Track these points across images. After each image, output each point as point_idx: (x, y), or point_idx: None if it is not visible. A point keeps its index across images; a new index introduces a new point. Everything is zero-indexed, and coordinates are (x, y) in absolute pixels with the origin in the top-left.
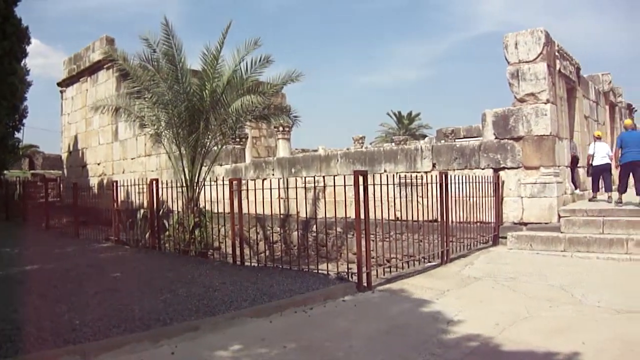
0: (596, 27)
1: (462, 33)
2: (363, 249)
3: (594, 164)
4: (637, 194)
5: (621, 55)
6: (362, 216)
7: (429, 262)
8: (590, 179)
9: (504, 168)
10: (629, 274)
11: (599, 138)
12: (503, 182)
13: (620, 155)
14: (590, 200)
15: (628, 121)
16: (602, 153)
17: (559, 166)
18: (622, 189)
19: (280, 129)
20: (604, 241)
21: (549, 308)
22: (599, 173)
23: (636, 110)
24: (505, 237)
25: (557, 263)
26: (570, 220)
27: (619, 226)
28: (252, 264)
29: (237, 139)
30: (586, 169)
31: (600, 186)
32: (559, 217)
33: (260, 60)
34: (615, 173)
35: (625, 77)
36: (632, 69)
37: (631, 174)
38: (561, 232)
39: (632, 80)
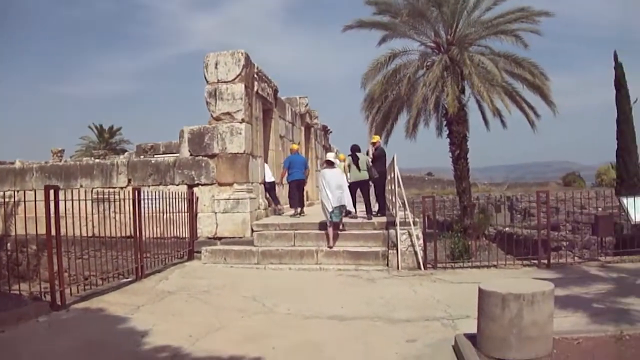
0: (299, 52)
1: (171, 49)
2: (56, 266)
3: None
4: (299, 205)
5: (319, 81)
6: (54, 233)
7: (125, 278)
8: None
9: (198, 184)
10: (318, 282)
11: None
12: (197, 198)
13: (287, 174)
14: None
15: (294, 146)
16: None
17: (252, 183)
18: (297, 203)
19: None
20: (296, 253)
21: (242, 318)
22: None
23: (331, 132)
24: (200, 252)
25: (251, 275)
26: (263, 234)
27: (309, 239)
28: None
29: None
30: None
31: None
32: (252, 231)
33: None
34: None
35: (321, 101)
36: (326, 93)
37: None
38: (254, 246)
39: (326, 105)
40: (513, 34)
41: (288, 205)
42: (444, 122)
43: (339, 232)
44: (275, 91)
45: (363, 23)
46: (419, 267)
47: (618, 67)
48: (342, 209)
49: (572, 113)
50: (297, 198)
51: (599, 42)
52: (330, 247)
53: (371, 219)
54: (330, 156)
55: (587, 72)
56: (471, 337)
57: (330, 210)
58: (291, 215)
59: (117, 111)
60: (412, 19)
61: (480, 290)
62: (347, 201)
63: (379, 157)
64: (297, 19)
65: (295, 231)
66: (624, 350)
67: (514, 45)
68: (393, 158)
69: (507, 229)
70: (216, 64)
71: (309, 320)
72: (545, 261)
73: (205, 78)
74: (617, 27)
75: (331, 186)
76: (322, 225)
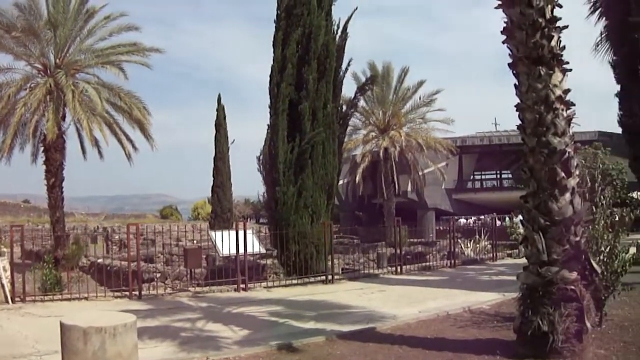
0: None
1: None
2: None
3: None
4: None
5: None
6: None
7: None
8: None
9: None
10: None
11: None
12: None
13: None
14: None
15: None
16: None
17: None
18: None
19: None
20: None
21: None
22: None
23: None
24: None
25: None
26: None
27: None
28: None
29: None
30: None
31: None
32: None
33: None
34: None
35: None
36: None
37: None
38: None
39: None
40: (119, 66)
41: None
42: (42, 148)
43: None
44: None
45: None
46: (7, 301)
47: (220, 109)
48: None
49: (174, 148)
50: None
51: (206, 84)
52: None
53: None
54: None
55: (194, 110)
56: None
57: None
58: None
59: None
60: (25, 37)
61: (62, 324)
62: None
63: None
64: None
65: None
66: None
67: (117, 77)
68: None
69: (100, 260)
70: None
71: None
72: (137, 293)
73: None
74: (218, 70)
75: None
76: None
